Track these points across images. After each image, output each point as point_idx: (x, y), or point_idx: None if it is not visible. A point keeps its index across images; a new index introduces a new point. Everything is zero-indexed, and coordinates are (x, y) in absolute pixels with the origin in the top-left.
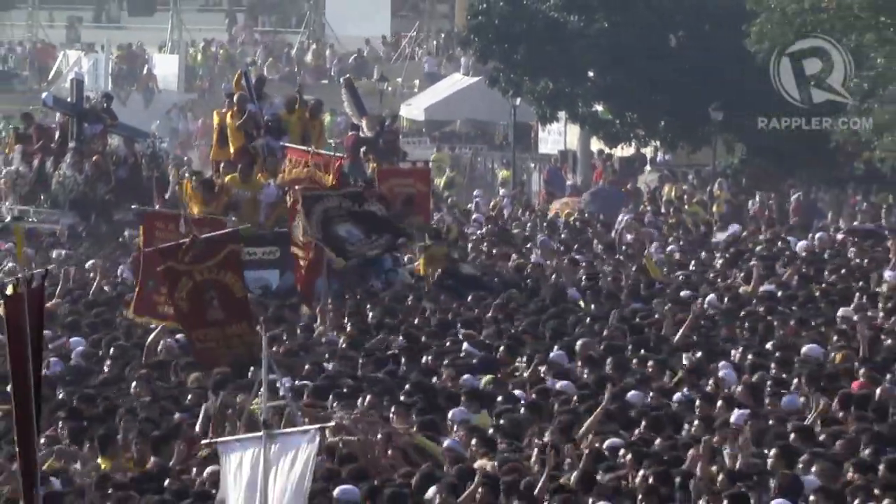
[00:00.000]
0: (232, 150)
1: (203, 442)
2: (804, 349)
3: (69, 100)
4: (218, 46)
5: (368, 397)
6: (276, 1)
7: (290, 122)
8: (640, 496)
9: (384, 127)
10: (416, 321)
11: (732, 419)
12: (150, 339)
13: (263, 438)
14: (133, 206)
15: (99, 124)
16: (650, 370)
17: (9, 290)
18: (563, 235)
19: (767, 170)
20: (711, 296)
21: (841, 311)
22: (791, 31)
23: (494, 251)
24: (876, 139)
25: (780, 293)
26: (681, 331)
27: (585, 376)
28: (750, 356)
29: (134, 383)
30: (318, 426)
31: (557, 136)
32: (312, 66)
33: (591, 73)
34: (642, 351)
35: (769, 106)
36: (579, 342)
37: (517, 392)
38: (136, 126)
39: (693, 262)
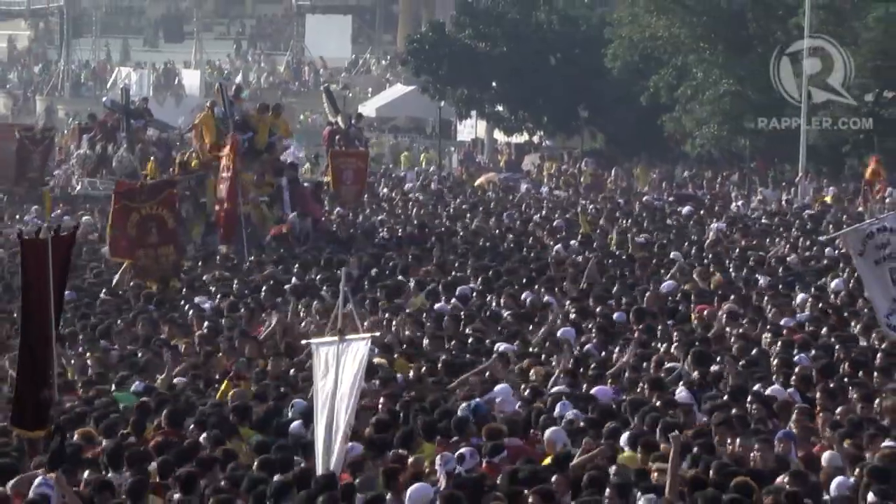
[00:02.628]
0: (207, 142)
1: (304, 342)
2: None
3: (121, 102)
4: (227, 64)
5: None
6: (269, 32)
7: (259, 120)
8: None
9: (351, 121)
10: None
11: (559, 333)
12: (119, 273)
13: (338, 342)
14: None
15: (141, 120)
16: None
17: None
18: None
19: (616, 152)
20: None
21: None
22: (636, 53)
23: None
24: (696, 131)
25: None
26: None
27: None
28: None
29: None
30: (369, 335)
31: (470, 129)
32: (294, 78)
33: (494, 84)
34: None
35: (622, 103)
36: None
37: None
38: (168, 122)
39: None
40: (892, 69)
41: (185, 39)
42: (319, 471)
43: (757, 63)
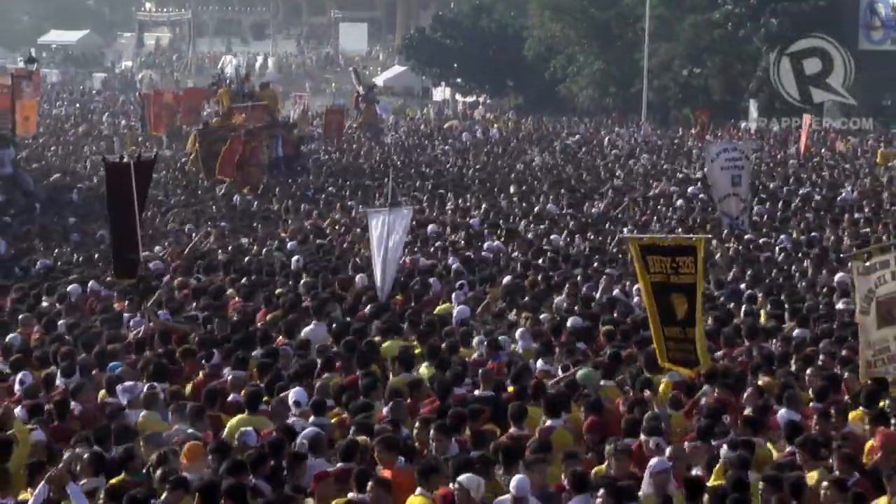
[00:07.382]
0: (224, 106)
1: (361, 209)
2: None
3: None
4: (291, 55)
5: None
6: (318, 33)
7: (262, 94)
8: None
9: (370, 89)
10: None
11: None
12: (226, 185)
13: (389, 209)
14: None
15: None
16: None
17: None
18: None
19: (530, 107)
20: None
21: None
22: (543, 46)
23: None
24: (579, 94)
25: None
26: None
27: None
28: None
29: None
30: (411, 207)
31: (441, 93)
32: (332, 63)
33: (455, 65)
34: None
35: (534, 77)
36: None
37: None
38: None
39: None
40: (699, 55)
41: (265, 38)
42: (381, 295)
43: (618, 51)
